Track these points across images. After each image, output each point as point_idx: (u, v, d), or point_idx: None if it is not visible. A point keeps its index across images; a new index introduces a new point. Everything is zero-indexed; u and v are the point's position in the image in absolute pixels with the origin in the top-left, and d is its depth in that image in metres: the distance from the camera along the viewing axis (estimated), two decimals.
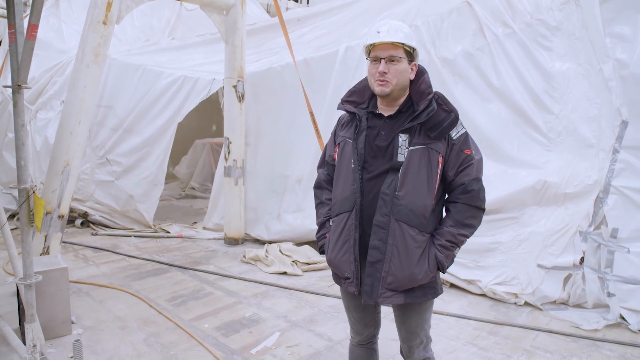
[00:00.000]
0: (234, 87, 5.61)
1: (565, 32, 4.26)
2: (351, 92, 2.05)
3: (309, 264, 5.09)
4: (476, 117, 4.64)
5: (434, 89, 1.98)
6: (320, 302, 4.22)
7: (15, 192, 6.66)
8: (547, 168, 4.24)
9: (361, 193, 1.93)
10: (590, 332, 3.64)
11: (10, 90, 6.90)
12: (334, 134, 2.14)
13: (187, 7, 8.56)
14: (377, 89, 1.91)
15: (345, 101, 2.04)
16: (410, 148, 1.88)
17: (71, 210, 6.57)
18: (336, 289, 4.53)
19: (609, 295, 3.83)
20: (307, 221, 5.45)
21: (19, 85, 2.45)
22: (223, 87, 5.89)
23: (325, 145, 2.24)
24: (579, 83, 4.19)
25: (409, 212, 1.88)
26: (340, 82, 5.40)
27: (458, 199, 1.96)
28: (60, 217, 4.26)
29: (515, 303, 4.14)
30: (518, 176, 4.33)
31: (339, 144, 2.06)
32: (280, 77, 5.77)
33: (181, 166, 9.54)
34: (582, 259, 4.02)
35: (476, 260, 4.34)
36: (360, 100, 2.03)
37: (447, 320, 3.84)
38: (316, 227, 5.54)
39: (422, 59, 5.01)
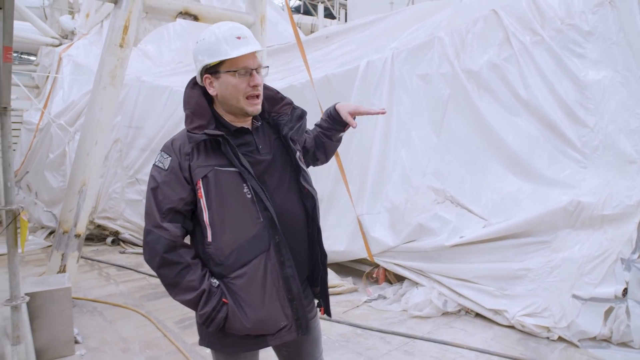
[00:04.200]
0: None
1: (600, 36, 3.88)
2: (191, 119, 1.62)
3: None
4: (503, 132, 4.31)
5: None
6: (331, 329, 3.99)
7: (56, 210, 6.97)
8: (582, 187, 3.81)
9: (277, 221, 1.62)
10: None
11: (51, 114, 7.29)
12: (179, 170, 1.59)
13: None
14: (251, 108, 1.63)
15: (194, 129, 1.60)
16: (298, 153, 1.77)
17: (103, 228, 6.79)
18: (351, 315, 4.29)
19: None
20: (326, 243, 5.24)
21: (5, 108, 2.47)
22: None
23: (153, 192, 1.61)
24: (616, 92, 3.78)
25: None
26: (361, 99, 5.23)
27: None
28: (77, 236, 4.34)
29: (547, 338, 3.71)
30: (549, 196, 3.93)
31: (203, 178, 1.57)
32: (300, 94, 5.67)
33: None
34: (625, 290, 3.54)
35: (503, 288, 3.95)
36: (205, 123, 1.61)
37: (466, 355, 3.49)
38: (338, 249, 5.16)
39: (445, 72, 4.76)
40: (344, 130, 1.96)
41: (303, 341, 1.82)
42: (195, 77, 1.70)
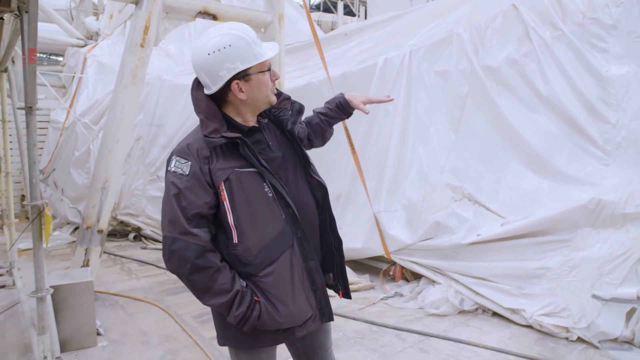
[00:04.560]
0: None
1: (624, 30, 3.78)
2: (205, 123, 1.60)
3: None
4: (522, 129, 4.24)
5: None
6: (347, 325, 4.01)
7: (81, 207, 7.17)
8: (604, 185, 3.73)
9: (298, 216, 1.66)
10: None
11: (77, 112, 7.50)
12: (200, 174, 1.57)
13: None
14: (274, 97, 1.72)
15: (210, 134, 1.58)
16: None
17: (125, 224, 6.95)
18: (367, 312, 4.30)
19: None
20: (343, 240, 5.25)
21: (30, 107, 2.57)
22: None
23: (176, 198, 1.57)
24: None
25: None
26: (379, 96, 5.21)
27: None
28: (100, 231, 4.46)
29: (566, 338, 3.64)
30: (569, 194, 3.86)
31: (225, 181, 1.57)
32: (318, 92, 5.70)
33: None
34: None
35: (520, 287, 3.90)
36: (219, 126, 1.60)
37: (482, 354, 3.46)
38: (355, 246, 5.14)
39: (463, 68, 4.72)
40: (347, 118, 2.06)
41: (316, 332, 1.85)
42: (196, 79, 1.68)
